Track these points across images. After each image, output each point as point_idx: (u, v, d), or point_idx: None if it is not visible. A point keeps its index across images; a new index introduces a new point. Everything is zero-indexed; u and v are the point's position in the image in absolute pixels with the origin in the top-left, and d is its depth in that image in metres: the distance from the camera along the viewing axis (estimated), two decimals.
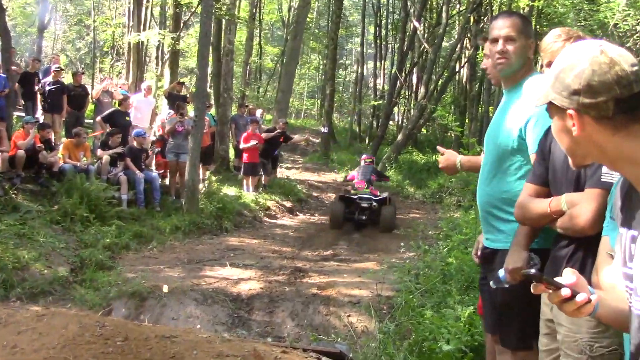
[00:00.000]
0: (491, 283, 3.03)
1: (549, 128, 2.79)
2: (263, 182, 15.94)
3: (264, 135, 15.79)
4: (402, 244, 9.18)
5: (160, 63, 22.74)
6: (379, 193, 13.80)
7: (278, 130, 16.15)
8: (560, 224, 2.69)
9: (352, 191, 13.76)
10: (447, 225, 8.60)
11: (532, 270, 1.58)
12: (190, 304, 7.16)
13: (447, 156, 3.84)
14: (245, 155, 15.19)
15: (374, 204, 13.03)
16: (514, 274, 2.88)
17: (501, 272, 2.96)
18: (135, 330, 3.52)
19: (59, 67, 14.09)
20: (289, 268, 9.07)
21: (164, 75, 20.85)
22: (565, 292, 1.51)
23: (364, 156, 15.46)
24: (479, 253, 3.50)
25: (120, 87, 15.85)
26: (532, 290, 1.58)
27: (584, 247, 2.60)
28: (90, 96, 15.12)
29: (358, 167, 14.84)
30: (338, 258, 10.42)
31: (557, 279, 1.55)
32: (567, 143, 1.61)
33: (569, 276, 1.56)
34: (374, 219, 13.06)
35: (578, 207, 2.58)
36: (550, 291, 1.55)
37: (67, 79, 17.13)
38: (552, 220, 2.73)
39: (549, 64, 2.75)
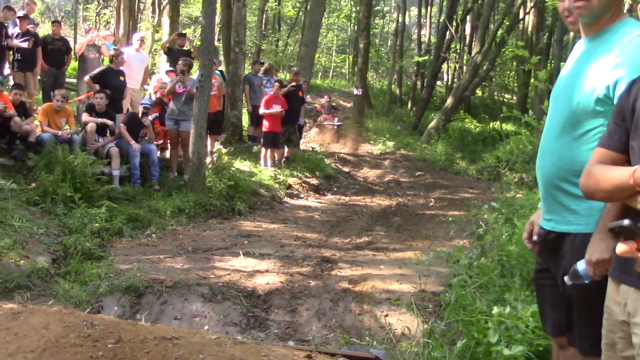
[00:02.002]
0: (566, 278, 2.95)
1: (634, 82, 2.73)
2: (286, 155, 15.95)
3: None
4: (452, 228, 9.15)
5: (157, 11, 22.79)
6: None
7: (292, 84, 16.09)
8: None
9: None
10: (506, 208, 8.52)
11: (626, 222, 1.52)
12: (196, 300, 7.20)
13: None
14: (265, 123, 15.20)
15: None
16: (599, 267, 2.80)
17: (580, 265, 2.88)
18: (130, 331, 3.54)
19: (24, 15, 13.92)
20: (315, 258, 9.08)
21: (162, 25, 20.88)
22: None
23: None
24: (534, 238, 3.43)
25: (106, 40, 15.86)
26: (617, 251, 1.53)
27: None
28: (72, 51, 15.12)
29: None
30: (374, 246, 10.41)
31: None
32: None
33: None
34: None
35: None
36: None
37: (44, 30, 17.17)
38: (633, 194, 2.51)
39: None
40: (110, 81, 12.82)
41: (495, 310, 4.13)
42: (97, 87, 12.55)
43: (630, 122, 2.65)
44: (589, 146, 3.00)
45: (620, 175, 2.53)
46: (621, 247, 1.49)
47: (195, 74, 14.11)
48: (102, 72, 12.98)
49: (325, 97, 21.90)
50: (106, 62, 13.87)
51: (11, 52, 13.60)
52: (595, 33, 3.12)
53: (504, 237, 6.75)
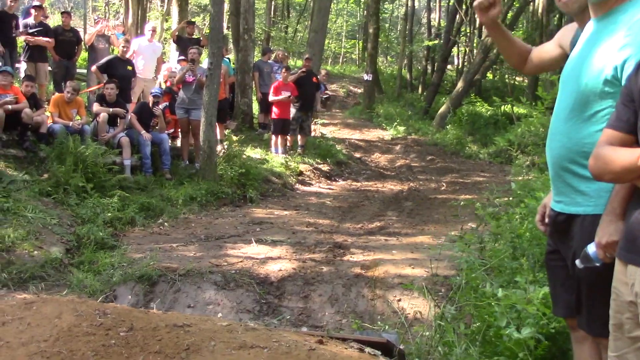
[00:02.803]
0: (577, 262, 2.95)
1: None
2: (300, 143, 15.96)
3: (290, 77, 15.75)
4: (464, 212, 9.14)
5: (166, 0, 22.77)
6: None
7: (302, 69, 16.07)
8: None
9: None
10: (519, 189, 8.51)
11: None
12: (209, 288, 7.22)
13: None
14: (275, 110, 15.21)
15: None
16: (609, 249, 2.80)
17: (591, 248, 2.88)
18: (142, 319, 3.55)
19: (39, 4, 14.02)
20: (327, 244, 9.09)
21: (171, 14, 20.90)
22: None
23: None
24: (546, 220, 3.43)
25: (115, 30, 15.89)
26: None
27: None
28: (82, 42, 15.15)
29: None
30: (386, 231, 10.43)
31: None
32: None
33: None
34: None
35: None
36: None
37: (54, 21, 17.20)
38: None
39: None
40: (117, 70, 12.88)
41: (501, 293, 4.13)
42: (104, 77, 12.59)
43: (639, 103, 2.64)
44: (597, 127, 2.98)
45: (628, 156, 2.55)
46: None
47: (204, 61, 14.11)
48: (109, 62, 13.05)
49: (323, 71, 21.30)
50: (116, 52, 13.87)
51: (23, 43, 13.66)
52: (604, 13, 3.08)
53: (516, 218, 6.74)
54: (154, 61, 14.71)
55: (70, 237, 8.77)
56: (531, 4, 30.32)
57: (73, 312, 3.50)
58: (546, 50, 3.89)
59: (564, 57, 3.50)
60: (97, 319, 3.45)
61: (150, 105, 12.29)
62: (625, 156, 2.58)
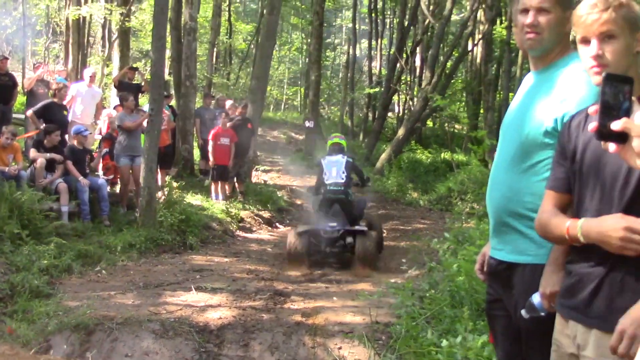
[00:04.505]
0: (523, 312, 2.97)
1: (576, 115, 2.81)
2: (239, 190, 15.96)
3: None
4: (403, 261, 9.21)
5: (107, 45, 22.74)
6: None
7: (238, 117, 16.09)
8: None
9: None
10: (456, 237, 8.62)
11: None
12: (147, 337, 7.12)
13: None
14: (213, 157, 15.21)
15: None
16: (553, 299, 2.83)
17: (536, 298, 2.91)
18: None
19: None
20: (267, 291, 9.05)
21: (112, 59, 20.81)
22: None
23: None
24: (485, 268, 3.47)
25: (57, 74, 15.78)
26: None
27: (623, 268, 2.49)
28: (20, 86, 14.97)
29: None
30: (326, 278, 10.42)
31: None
32: None
33: None
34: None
35: None
36: None
37: None
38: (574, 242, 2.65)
39: (583, 40, 2.70)
40: (55, 115, 12.74)
41: (445, 342, 4.16)
42: (40, 122, 12.47)
43: (572, 162, 2.73)
44: (538, 177, 3.05)
45: (559, 230, 2.66)
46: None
47: (144, 106, 14.08)
48: (45, 107, 12.87)
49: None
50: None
51: None
52: (545, 67, 3.19)
53: (454, 267, 6.82)
54: (93, 106, 14.63)
55: (3, 285, 8.54)
56: (470, 53, 30.98)
57: None
58: None
59: None
60: None
61: (77, 144, 12.18)
62: (557, 228, 2.69)
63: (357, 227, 11.19)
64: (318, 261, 11.41)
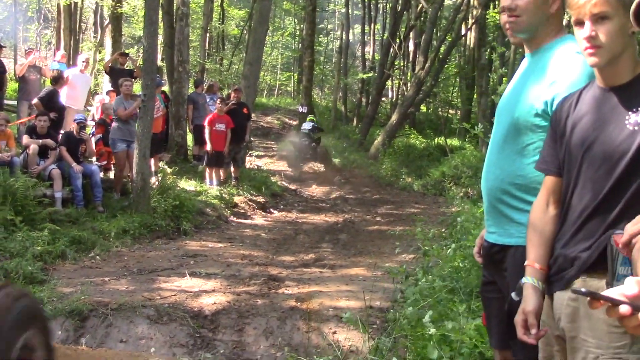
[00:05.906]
0: (513, 295, 2.95)
1: (567, 97, 2.80)
2: (233, 175, 15.92)
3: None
4: (397, 244, 9.20)
5: (99, 30, 22.63)
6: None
7: (232, 102, 16.03)
8: None
9: None
10: (452, 221, 8.63)
11: (583, 290, 1.56)
12: (141, 322, 7.11)
13: None
14: (209, 143, 15.15)
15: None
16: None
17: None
18: (70, 356, 3.50)
19: None
20: (262, 277, 9.04)
21: (104, 45, 20.75)
22: (624, 309, 1.49)
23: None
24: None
25: (56, 60, 15.72)
26: (589, 306, 1.55)
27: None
28: (11, 72, 14.89)
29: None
30: (321, 263, 10.43)
31: (617, 290, 1.52)
32: None
33: (631, 286, 1.53)
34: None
35: None
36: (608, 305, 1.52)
37: None
38: None
39: (577, 22, 2.66)
40: (57, 103, 12.72)
41: (433, 330, 4.15)
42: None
43: (561, 143, 2.72)
44: (529, 160, 3.05)
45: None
46: (592, 304, 1.53)
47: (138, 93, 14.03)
48: (49, 94, 12.85)
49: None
50: (47, 83, 13.69)
51: None
52: (537, 49, 3.18)
53: (449, 251, 6.81)
54: (85, 91, 14.59)
55: None
56: (463, 38, 30.91)
57: None
58: None
59: None
60: None
61: (75, 132, 12.12)
62: (529, 251, 2.88)
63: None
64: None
